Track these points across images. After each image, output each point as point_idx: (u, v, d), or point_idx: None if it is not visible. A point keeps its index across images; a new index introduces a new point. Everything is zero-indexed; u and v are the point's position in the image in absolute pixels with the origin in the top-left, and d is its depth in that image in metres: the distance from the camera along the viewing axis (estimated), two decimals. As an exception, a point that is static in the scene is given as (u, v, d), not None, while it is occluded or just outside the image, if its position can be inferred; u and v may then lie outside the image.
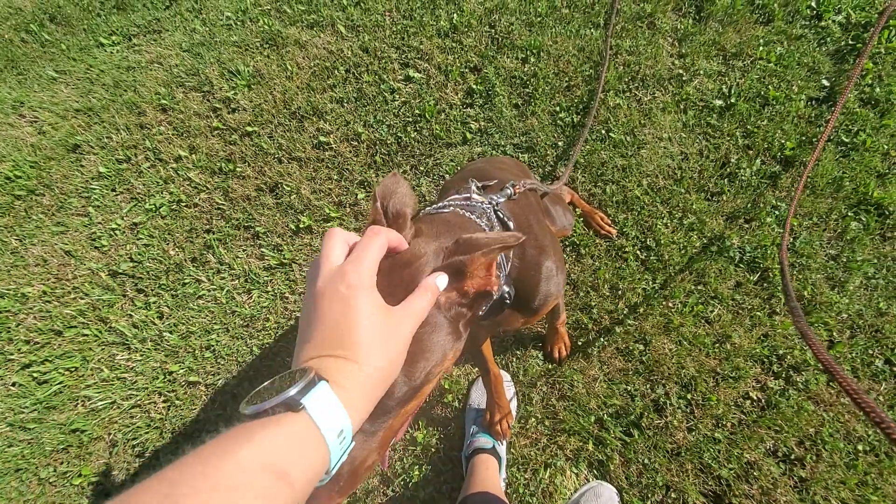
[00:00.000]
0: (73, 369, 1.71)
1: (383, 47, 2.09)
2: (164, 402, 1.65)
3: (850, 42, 1.87)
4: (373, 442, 0.51)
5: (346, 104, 2.01)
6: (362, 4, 2.20)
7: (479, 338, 1.27)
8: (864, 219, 1.63)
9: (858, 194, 1.65)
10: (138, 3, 2.40)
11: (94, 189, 1.98)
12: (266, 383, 0.41)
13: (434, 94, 1.98)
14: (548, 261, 0.99)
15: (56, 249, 1.88)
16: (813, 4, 1.95)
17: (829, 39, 1.89)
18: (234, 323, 1.72)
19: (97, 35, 2.35)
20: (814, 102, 1.80)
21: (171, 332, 1.73)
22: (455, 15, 2.10)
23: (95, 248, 1.89)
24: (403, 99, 1.99)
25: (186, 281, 1.80)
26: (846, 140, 1.73)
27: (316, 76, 2.08)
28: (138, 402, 1.65)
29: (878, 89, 1.79)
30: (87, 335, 1.75)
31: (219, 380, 1.66)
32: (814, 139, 1.73)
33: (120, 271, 1.83)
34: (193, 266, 1.82)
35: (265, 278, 1.77)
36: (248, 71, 2.11)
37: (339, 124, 1.97)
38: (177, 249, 1.85)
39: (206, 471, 0.32)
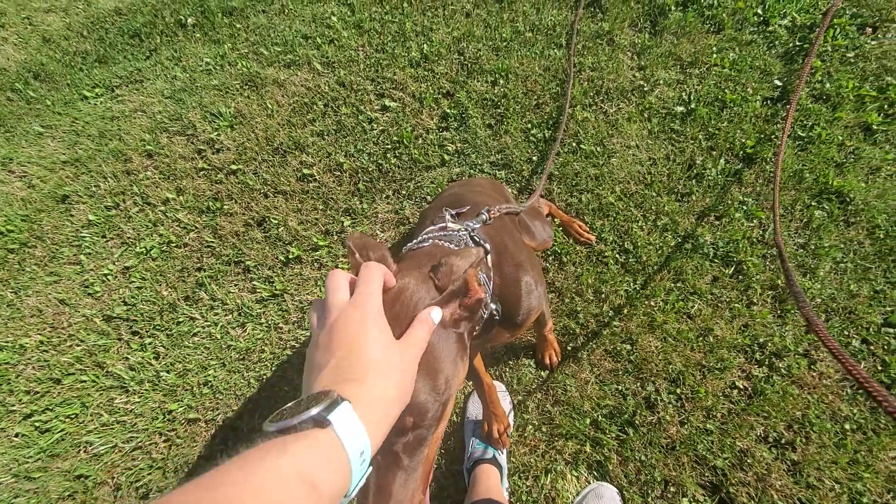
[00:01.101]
0: (73, 416, 1.72)
1: (359, 80, 2.18)
2: (164, 441, 1.66)
3: (798, 43, 1.99)
4: (414, 480, 0.53)
5: (326, 136, 2.08)
6: (336, 42, 2.30)
7: (471, 355, 1.31)
8: (827, 207, 1.71)
9: (819, 184, 1.74)
10: (119, 56, 2.49)
11: (85, 237, 2.02)
12: (289, 404, 0.42)
13: (410, 120, 2.06)
14: (526, 276, 1.05)
15: (50, 299, 1.91)
16: (759, 11, 2.07)
17: (777, 42, 2.01)
18: (230, 357, 1.75)
19: (81, 88, 2.42)
20: (769, 102, 1.90)
21: (167, 372, 1.75)
22: (425, 45, 2.20)
23: (89, 294, 1.92)
24: (381, 127, 2.07)
25: (180, 319, 1.83)
26: (802, 134, 1.82)
27: (296, 112, 2.16)
28: (139, 444, 1.66)
29: (827, 85, 1.90)
30: (85, 381, 1.76)
31: (218, 415, 1.67)
32: (772, 136, 1.83)
33: (114, 315, 1.86)
34: (187, 304, 1.85)
35: (258, 311, 1.80)
36: (230, 112, 2.19)
37: (321, 156, 2.04)
38: (169, 289, 1.89)
39: (247, 476, 0.34)
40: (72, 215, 2.08)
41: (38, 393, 1.76)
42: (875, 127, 1.80)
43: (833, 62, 1.95)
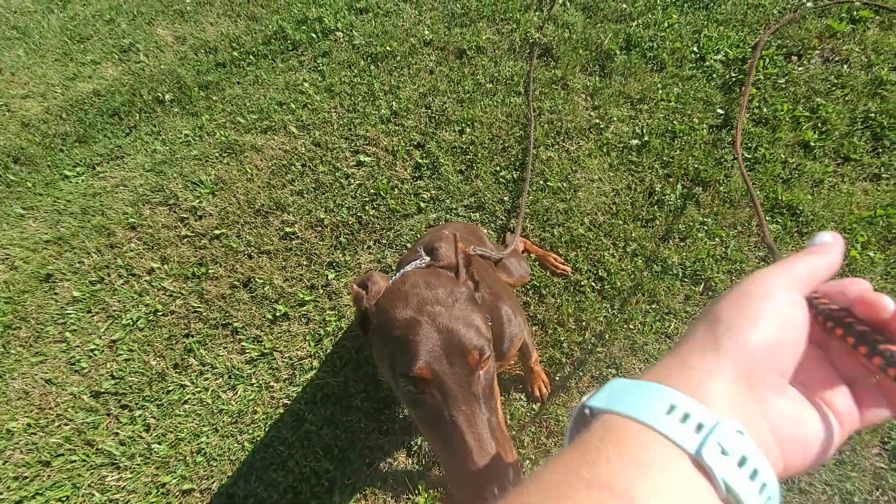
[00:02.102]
0: (64, 499, 1.67)
1: (333, 139, 2.29)
2: (159, 517, 1.62)
3: (733, 75, 2.18)
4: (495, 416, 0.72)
5: (305, 195, 2.17)
6: (309, 106, 2.43)
7: None
8: (780, 220, 1.83)
9: (770, 200, 1.87)
10: (99, 135, 2.57)
11: (70, 314, 2.03)
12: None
13: (385, 173, 2.16)
14: (504, 305, 1.11)
15: (37, 380, 1.89)
16: (695, 49, 2.27)
17: (715, 75, 2.20)
18: (223, 421, 1.74)
19: (62, 169, 2.49)
20: (715, 129, 2.06)
21: (159, 443, 1.73)
22: (394, 102, 2.34)
23: (76, 371, 1.91)
24: (358, 182, 2.16)
25: (170, 388, 1.82)
26: (748, 156, 1.97)
27: (275, 174, 2.25)
28: (132, 523, 1.62)
29: (765, 109, 2.07)
30: (75, 461, 1.73)
31: (213, 483, 1.65)
32: (721, 160, 1.97)
33: (102, 391, 1.84)
34: (176, 372, 1.85)
35: (248, 371, 1.81)
36: (211, 179, 2.27)
37: (302, 214, 2.11)
38: (157, 359, 1.89)
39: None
40: (56, 293, 2.09)
41: (27, 478, 1.72)
42: (812, 143, 1.96)
43: (767, 89, 2.14)
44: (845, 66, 2.15)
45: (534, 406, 1.63)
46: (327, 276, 1.96)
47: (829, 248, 0.37)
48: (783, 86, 2.12)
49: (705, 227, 1.84)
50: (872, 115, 2.00)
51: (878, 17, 2.26)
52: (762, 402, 0.32)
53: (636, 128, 2.10)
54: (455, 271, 0.85)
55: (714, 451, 0.27)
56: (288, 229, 2.08)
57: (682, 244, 1.83)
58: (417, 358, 0.69)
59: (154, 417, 1.78)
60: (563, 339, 1.71)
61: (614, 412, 0.30)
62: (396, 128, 2.28)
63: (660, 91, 2.17)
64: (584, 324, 1.73)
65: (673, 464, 0.27)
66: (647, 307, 1.73)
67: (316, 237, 2.06)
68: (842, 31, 2.21)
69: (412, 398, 0.73)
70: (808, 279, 0.36)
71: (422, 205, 2.05)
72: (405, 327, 0.72)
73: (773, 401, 0.32)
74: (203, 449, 1.70)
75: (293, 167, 2.25)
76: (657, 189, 1.94)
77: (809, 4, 2.35)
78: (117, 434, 1.76)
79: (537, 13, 2.57)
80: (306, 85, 2.50)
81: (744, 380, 0.31)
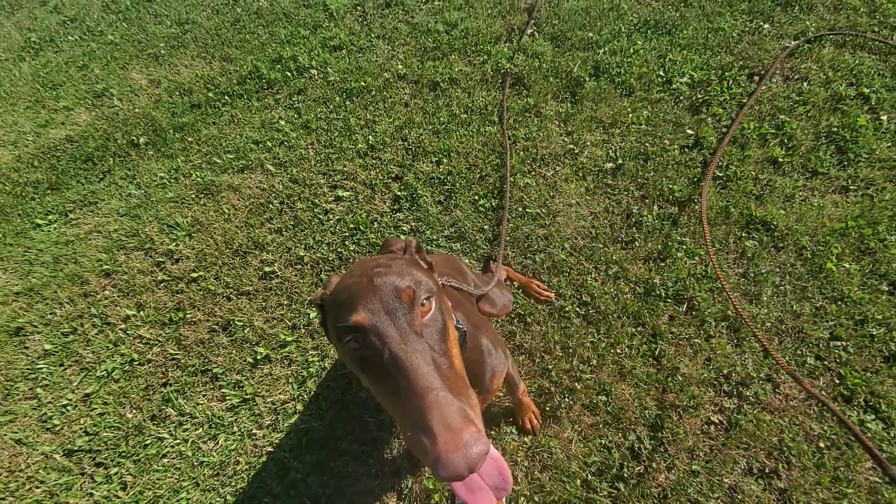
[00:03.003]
0: (30, 573, 1.57)
1: (311, 175, 2.29)
2: (137, 583, 1.53)
3: (699, 96, 2.25)
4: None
5: (284, 233, 2.14)
6: (286, 143, 2.43)
7: None
8: (756, 236, 1.86)
9: (745, 217, 1.90)
10: (72, 181, 2.53)
11: (41, 368, 1.95)
12: None
13: (364, 206, 2.15)
14: (483, 338, 1.10)
15: (6, 440, 1.80)
16: (661, 73, 2.34)
17: (682, 97, 2.26)
18: (204, 474, 1.67)
19: (33, 217, 2.43)
20: (686, 149, 2.11)
21: (136, 503, 1.64)
22: (370, 136, 2.35)
23: (47, 429, 1.82)
24: (337, 217, 2.15)
25: (148, 442, 1.75)
26: (720, 174, 2.01)
27: (252, 213, 2.22)
28: (108, 592, 1.52)
29: (731, 127, 2.12)
30: (44, 529, 1.63)
31: (195, 541, 1.56)
32: (694, 179, 2.01)
33: (76, 448, 1.76)
34: (153, 424, 1.78)
35: (229, 419, 1.75)
36: (187, 221, 2.23)
37: (281, 252, 2.09)
38: (134, 411, 1.82)
39: None
40: (26, 347, 2.02)
41: (-9, 551, 1.61)
42: (781, 160, 2.01)
43: (732, 108, 2.20)
44: (805, 84, 2.23)
45: (525, 439, 1.60)
46: (309, 314, 1.92)
47: None
48: (749, 105, 2.18)
49: (684, 247, 1.86)
50: (835, 129, 2.07)
51: (832, 37, 2.36)
52: None
53: (610, 151, 2.13)
54: (403, 251, 0.89)
55: None
56: (267, 269, 2.04)
57: (663, 264, 1.84)
58: (354, 309, 0.69)
59: (131, 474, 1.70)
60: (550, 367, 1.69)
61: None
62: (374, 161, 2.29)
63: (630, 115, 2.22)
64: (570, 350, 1.71)
65: None
66: (633, 330, 1.73)
67: (296, 275, 2.03)
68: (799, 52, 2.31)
69: (358, 357, 0.71)
70: None
71: (402, 237, 2.04)
72: (346, 291, 0.74)
73: None
74: (183, 505, 1.62)
75: (271, 205, 2.23)
76: (634, 211, 1.97)
77: (793, 43, 2.44)
78: (91, 495, 1.68)
79: (507, 44, 2.63)
80: (282, 123, 2.51)
81: None
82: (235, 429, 1.73)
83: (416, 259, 0.86)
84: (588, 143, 2.17)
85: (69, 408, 1.85)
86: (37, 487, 1.72)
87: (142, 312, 2.02)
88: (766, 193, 1.95)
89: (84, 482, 1.71)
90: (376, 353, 0.68)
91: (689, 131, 2.14)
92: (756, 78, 2.27)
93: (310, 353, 1.84)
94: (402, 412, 0.64)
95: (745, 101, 2.21)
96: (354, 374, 0.80)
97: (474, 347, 1.04)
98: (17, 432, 1.83)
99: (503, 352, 1.18)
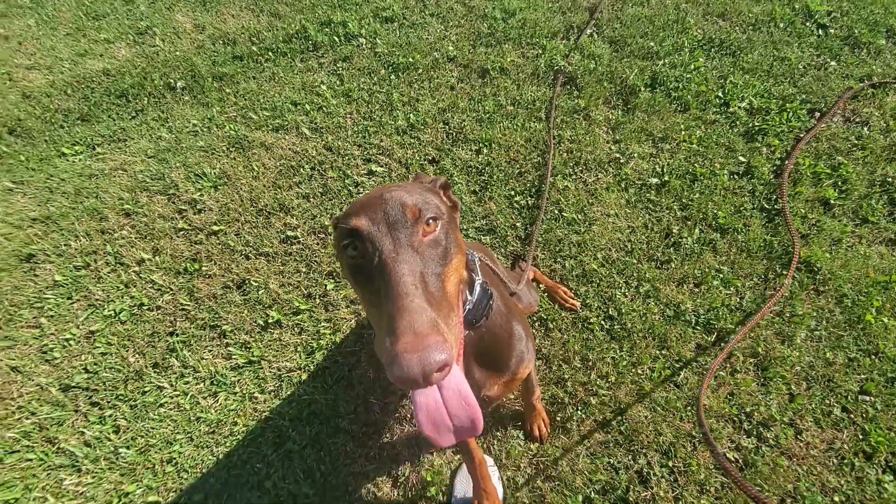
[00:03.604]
0: (12, 501, 1.54)
1: (346, 145, 2.23)
2: (117, 530, 1.49)
3: (756, 124, 2.17)
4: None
5: (311, 199, 2.09)
6: (324, 109, 2.37)
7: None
8: (797, 276, 1.79)
9: (788, 254, 1.83)
10: (103, 115, 2.48)
11: (49, 298, 1.91)
12: None
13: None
14: (517, 325, 1.04)
15: (1, 366, 1.76)
16: (720, 94, 2.26)
17: (738, 122, 2.18)
18: (199, 430, 1.63)
19: (59, 145, 2.39)
20: (735, 176, 2.03)
21: (127, 448, 1.60)
22: (411, 115, 2.29)
23: (46, 361, 1.79)
24: (367, 191, 2.09)
25: (146, 389, 1.71)
26: (767, 206, 1.94)
27: (282, 174, 2.17)
28: (88, 534, 1.49)
29: (787, 161, 2.05)
30: (31, 459, 1.59)
31: (182, 498, 1.53)
32: (741, 208, 1.94)
33: (73, 384, 1.72)
34: (155, 372, 1.74)
35: (232, 379, 1.71)
36: (215, 173, 2.18)
37: (306, 218, 2.03)
38: (137, 356, 1.78)
39: None
40: (36, 275, 1.98)
41: (-27, 473, 1.58)
42: (833, 202, 1.94)
43: (788, 141, 2.12)
44: (865, 129, 2.15)
45: (532, 446, 1.55)
46: (326, 286, 1.87)
47: None
48: (807, 140, 2.11)
49: (721, 276, 1.79)
50: (890, 179, 1.99)
51: (901, 83, 2.27)
52: None
53: (656, 166, 2.06)
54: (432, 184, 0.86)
55: None
56: (290, 233, 1.99)
57: (697, 290, 1.78)
58: (357, 215, 0.70)
59: (125, 419, 1.66)
60: (567, 377, 1.63)
61: None
62: (412, 140, 2.23)
63: (682, 132, 2.15)
64: (590, 363, 1.66)
65: None
66: (657, 352, 1.67)
67: (318, 244, 1.97)
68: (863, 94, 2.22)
69: (353, 266, 0.70)
70: None
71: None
72: (357, 203, 0.73)
73: None
74: (175, 458, 1.58)
75: (302, 169, 2.17)
76: (674, 231, 1.90)
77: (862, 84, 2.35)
78: (83, 434, 1.64)
79: (564, 41, 2.55)
80: (324, 87, 2.45)
81: None
82: (237, 389, 1.69)
83: (437, 190, 0.84)
84: (635, 155, 2.10)
85: (71, 342, 1.82)
86: (27, 418, 1.68)
87: (157, 258, 1.98)
88: (814, 234, 1.88)
89: (77, 419, 1.68)
90: (369, 261, 0.68)
91: (742, 158, 2.07)
92: (817, 114, 2.19)
93: (322, 324, 1.79)
94: (378, 319, 0.64)
95: (802, 135, 2.13)
96: (349, 285, 0.77)
97: (505, 327, 0.99)
98: (14, 360, 1.79)
99: (532, 346, 1.12)
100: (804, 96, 2.25)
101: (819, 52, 2.43)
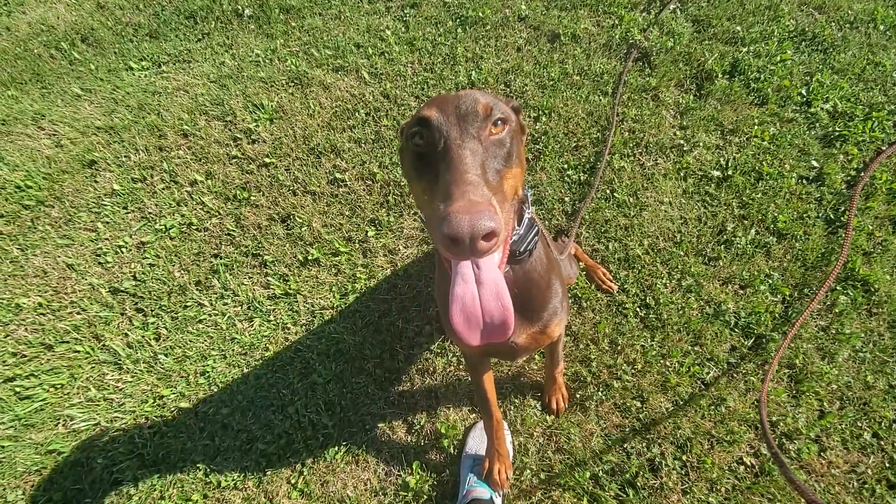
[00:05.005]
0: (58, 386, 1.66)
1: (403, 95, 2.20)
2: (150, 428, 1.60)
3: (837, 129, 2.02)
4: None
5: (363, 144, 2.09)
6: (386, 55, 2.33)
7: (484, 364, 1.28)
8: (851, 294, 1.70)
9: (846, 270, 1.74)
10: (171, 34, 2.51)
11: (106, 205, 2.00)
12: None
13: (449, 142, 2.07)
14: (555, 280, 1.03)
15: (58, 262, 1.87)
16: (803, 92, 2.11)
17: (817, 125, 2.04)
18: (233, 350, 1.71)
19: (127, 59, 2.44)
20: (804, 181, 1.92)
21: (166, 355, 1.70)
22: (473, 72, 2.23)
23: (99, 263, 1.89)
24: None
25: (188, 304, 1.79)
26: (833, 217, 1.84)
27: (337, 116, 2.17)
28: (123, 427, 1.60)
29: (862, 173, 1.92)
30: (78, 352, 1.71)
31: (210, 408, 1.62)
32: (804, 215, 1.84)
33: (121, 289, 1.82)
34: (197, 289, 1.82)
35: (268, 307, 1.77)
36: (272, 106, 2.20)
37: (356, 163, 2.04)
38: (182, 272, 1.86)
39: None
40: (96, 181, 2.07)
41: (25, 357, 1.71)
42: (905, 229, 1.81)
43: (868, 152, 1.98)
44: (959, 149, 1.98)
45: (547, 418, 1.56)
46: (367, 231, 1.89)
47: None
48: (887, 154, 1.96)
49: (770, 281, 1.73)
50: (975, 208, 1.85)
51: None
52: None
53: (721, 159, 1.97)
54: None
55: None
56: (338, 175, 2.01)
57: (742, 292, 1.72)
58: (429, 106, 0.71)
59: (166, 328, 1.75)
60: (593, 357, 1.63)
61: None
62: (470, 99, 2.18)
63: (755, 127, 2.03)
64: (618, 348, 1.64)
65: None
66: (689, 348, 1.64)
67: (364, 190, 1.99)
68: (968, 110, 2.04)
69: (417, 153, 0.71)
70: None
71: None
72: (428, 102, 0.74)
73: None
74: (208, 372, 1.67)
75: (357, 114, 2.16)
76: (728, 228, 1.82)
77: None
78: (127, 335, 1.75)
79: (644, 14, 2.41)
80: (388, 33, 2.40)
81: None
82: (272, 318, 1.75)
83: (510, 107, 0.84)
84: (700, 144, 2.00)
85: (123, 250, 1.91)
86: (78, 313, 1.80)
87: (209, 181, 2.03)
88: (877, 253, 1.77)
89: (122, 322, 1.78)
90: (433, 147, 0.68)
91: (815, 163, 1.94)
92: (906, 127, 2.03)
93: (359, 268, 1.82)
94: (432, 200, 0.64)
95: (884, 148, 1.98)
96: (407, 176, 0.79)
97: (544, 276, 0.98)
98: (70, 258, 1.90)
99: (567, 307, 1.11)
100: (893, 107, 2.08)
101: (922, 60, 2.22)
